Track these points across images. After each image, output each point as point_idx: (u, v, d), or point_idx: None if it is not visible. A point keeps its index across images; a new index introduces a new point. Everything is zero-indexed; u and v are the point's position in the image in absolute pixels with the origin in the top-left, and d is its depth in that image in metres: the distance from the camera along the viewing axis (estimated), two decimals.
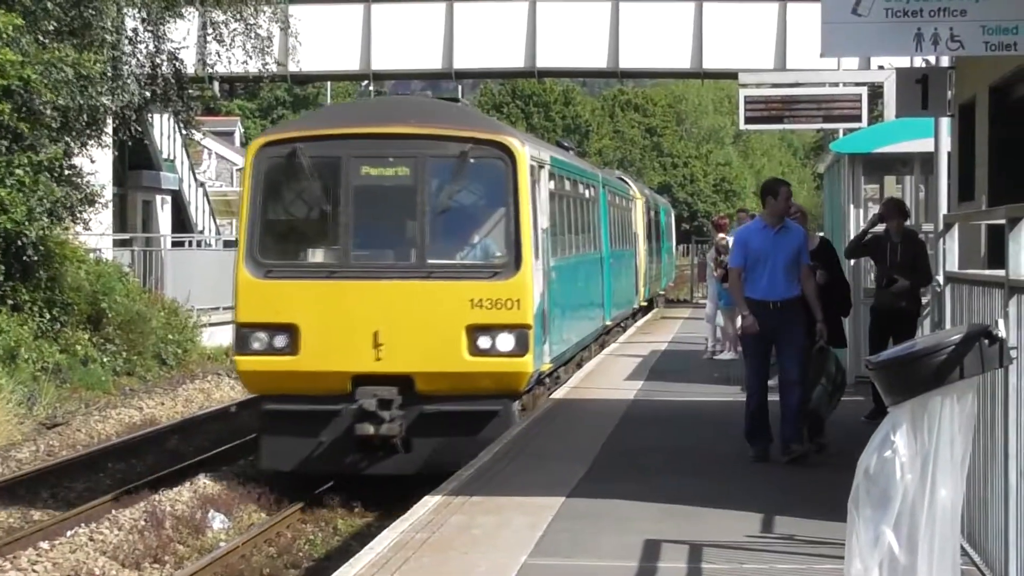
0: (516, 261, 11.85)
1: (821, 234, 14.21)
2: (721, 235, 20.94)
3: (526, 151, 12.31)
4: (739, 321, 12.43)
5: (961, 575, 5.18)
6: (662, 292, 39.39)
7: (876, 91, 19.21)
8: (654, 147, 66.24)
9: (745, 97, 18.96)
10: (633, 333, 28.39)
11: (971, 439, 5.21)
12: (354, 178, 12.04)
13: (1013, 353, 5.21)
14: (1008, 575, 5.42)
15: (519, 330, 11.71)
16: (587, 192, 21.00)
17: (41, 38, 20.60)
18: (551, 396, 16.13)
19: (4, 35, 18.82)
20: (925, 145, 13.54)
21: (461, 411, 11.69)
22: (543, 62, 28.81)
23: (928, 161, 13.87)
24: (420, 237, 12.03)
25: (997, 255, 7.40)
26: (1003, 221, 5.50)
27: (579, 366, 19.47)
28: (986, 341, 5.10)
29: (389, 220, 12.39)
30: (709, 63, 26.57)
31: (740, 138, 45.92)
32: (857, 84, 18.73)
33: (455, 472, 8.96)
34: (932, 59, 11.91)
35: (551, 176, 15.42)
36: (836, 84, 19.00)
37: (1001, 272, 5.71)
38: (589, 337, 20.39)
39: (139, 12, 23.94)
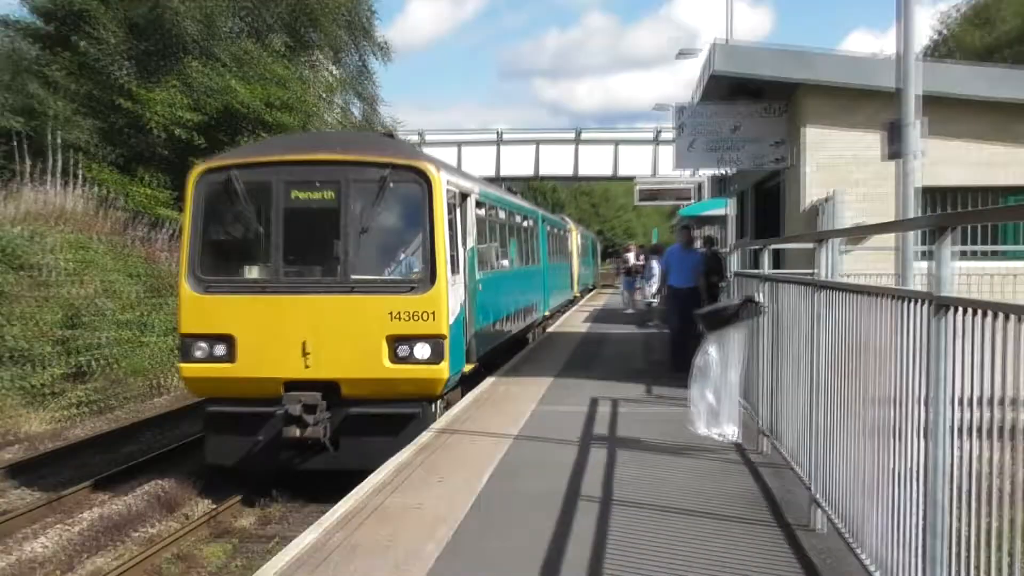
0: (431, 277, 11.85)
1: (716, 249, 18.75)
2: (626, 254, 38.97)
3: (442, 176, 12.37)
4: (638, 294, 28.32)
5: (739, 413, 9.65)
6: (593, 285, 57.06)
7: (699, 184, 32.52)
8: (594, 211, 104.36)
9: (639, 189, 33.67)
10: (584, 302, 43.96)
11: (745, 349, 9.60)
12: (284, 201, 12.07)
13: (765, 308, 9.24)
14: (759, 412, 9.87)
15: (435, 339, 11.75)
16: (526, 222, 23.47)
17: None
18: (547, 331, 27.29)
19: None
20: (722, 211, 25.21)
21: (383, 413, 11.74)
22: (543, 171, 45.90)
23: (723, 218, 25.13)
24: (344, 255, 11.99)
25: (754, 263, 12.20)
26: (759, 246, 10.22)
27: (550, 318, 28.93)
28: (752, 303, 9.52)
29: (316, 240, 12.33)
30: (622, 171, 45.33)
31: (635, 208, 72.43)
32: (690, 181, 31.91)
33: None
34: (726, 171, 20.46)
35: (480, 204, 15.85)
36: (682, 181, 32.30)
37: (757, 271, 10.21)
38: (528, 327, 23.10)
39: None
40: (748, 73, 15.09)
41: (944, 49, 58.59)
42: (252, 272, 12.37)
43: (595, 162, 44.90)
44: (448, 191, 12.64)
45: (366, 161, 12.14)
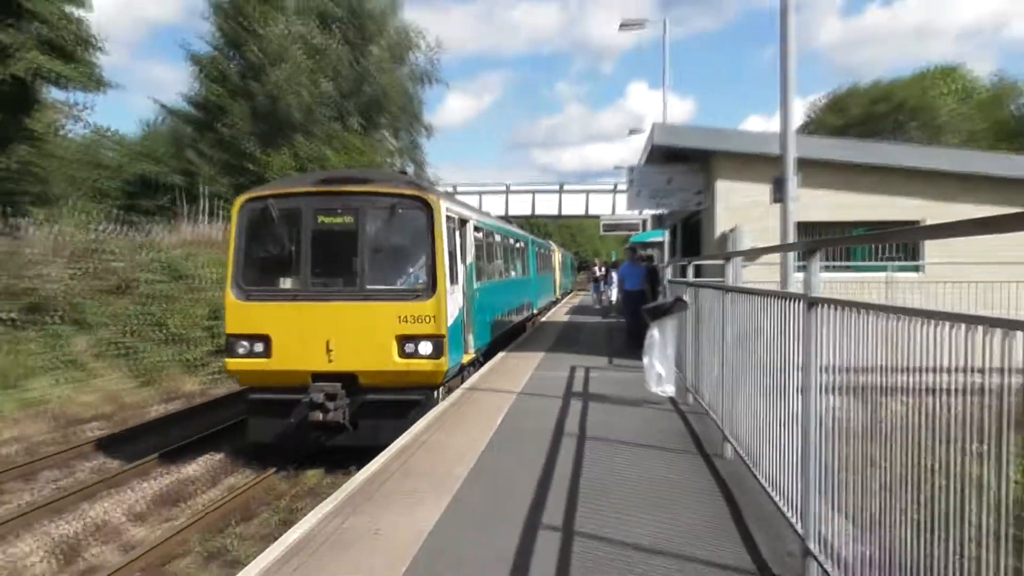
0: (433, 287, 10.58)
1: (655, 264, 19.02)
2: (594, 268, 40.11)
3: (442, 204, 11.11)
4: (603, 295, 28.70)
5: (674, 377, 9.64)
6: (571, 289, 55.78)
7: (644, 220, 30.52)
8: (572, 238, 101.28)
9: (603, 223, 30.86)
10: (564, 301, 43.07)
11: (677, 333, 9.58)
12: (312, 225, 10.85)
13: (689, 305, 9.19)
14: (687, 376, 9.83)
15: (436, 339, 10.45)
16: (518, 244, 22.04)
17: None
18: (540, 320, 26.73)
19: None
20: (660, 239, 25.30)
21: (394, 400, 10.45)
22: (537, 212, 42.75)
23: (661, 243, 25.20)
24: (361, 269, 10.71)
25: (682, 274, 12.16)
26: (686, 263, 10.27)
27: (539, 315, 27.87)
28: (681, 301, 9.53)
29: (338, 256, 11.00)
30: (592, 211, 41.94)
31: (601, 237, 71.46)
32: (638, 218, 29.86)
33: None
34: (663, 211, 19.47)
35: (478, 229, 14.52)
36: (632, 218, 30.03)
37: (684, 279, 10.20)
38: (521, 321, 21.65)
39: None
40: (678, 144, 15.09)
41: (811, 128, 58.62)
42: (285, 283, 11.03)
43: (573, 205, 45.02)
44: (448, 217, 11.41)
45: (379, 192, 10.87)
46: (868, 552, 3.41)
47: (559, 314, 31.03)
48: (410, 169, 37.10)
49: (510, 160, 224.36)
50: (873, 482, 3.37)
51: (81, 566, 8.02)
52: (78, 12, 26.52)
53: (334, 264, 10.95)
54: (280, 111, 31.47)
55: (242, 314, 10.66)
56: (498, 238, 17.66)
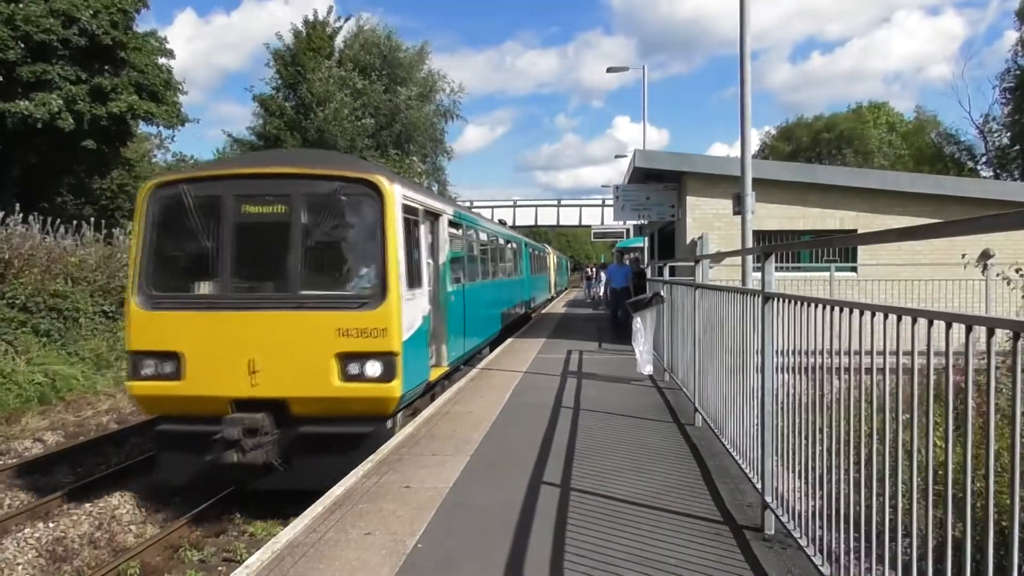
0: (383, 292, 7.10)
1: (641, 267, 18.26)
2: (587, 269, 40.10)
3: (395, 190, 7.44)
4: (594, 292, 27.65)
5: (653, 359, 9.60)
6: (565, 287, 52.63)
7: (628, 229, 32.46)
8: (568, 244, 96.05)
9: (593, 232, 35.73)
10: (560, 296, 41.60)
11: (656, 322, 9.52)
12: (234, 216, 7.37)
13: (665, 299, 9.07)
14: (664, 358, 9.63)
15: (386, 357, 7.03)
16: (510, 245, 18.30)
17: None
18: (542, 312, 26.02)
19: None
20: (641, 244, 25.94)
21: (335, 433, 7.02)
22: (540, 223, 45.25)
23: (641, 248, 25.28)
24: (294, 270, 7.27)
25: (660, 273, 12.00)
26: (662, 264, 10.19)
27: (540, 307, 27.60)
28: (659, 296, 9.48)
29: (266, 255, 7.57)
30: (584, 222, 43.97)
31: (592, 243, 70.52)
32: (622, 228, 32.11)
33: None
34: (643, 221, 19.15)
35: (456, 225, 10.89)
36: (618, 228, 32.83)
37: (661, 278, 10.13)
38: (521, 315, 19.25)
39: None
40: (655, 167, 15.01)
41: (765, 153, 58.38)
42: (201, 288, 7.62)
43: (569, 217, 45.21)
44: (405, 205, 7.79)
45: (317, 174, 7.40)
46: (816, 505, 3.38)
47: (558, 307, 31.03)
48: (435, 188, 37.10)
49: (517, 180, 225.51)
50: (819, 446, 3.33)
51: None
52: (165, 61, 26.75)
53: (261, 264, 7.62)
54: (327, 141, 31.57)
55: (148, 326, 7.26)
56: (484, 236, 13.97)
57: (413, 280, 7.82)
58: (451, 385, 9.94)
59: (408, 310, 7.45)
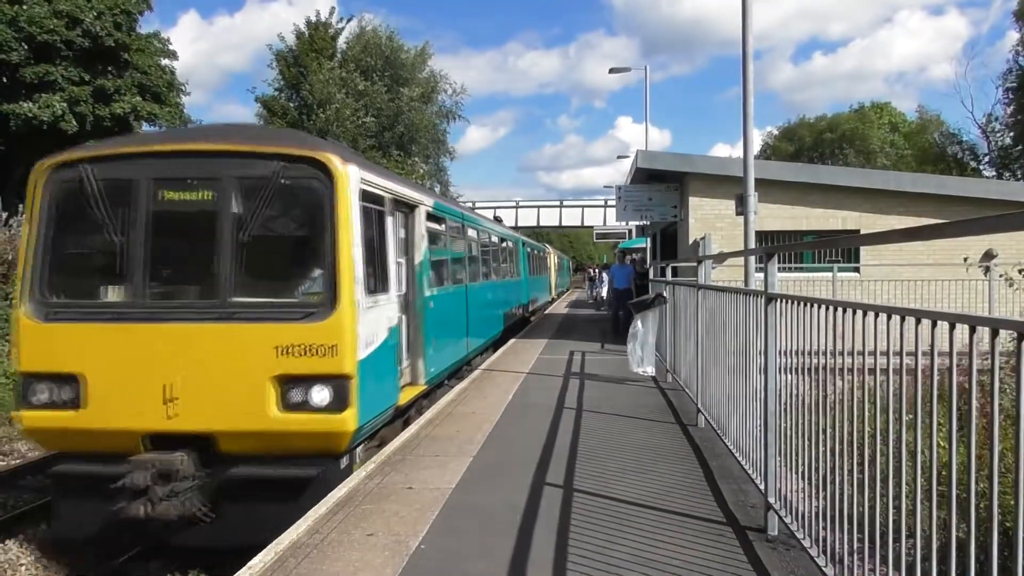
0: (333, 299, 5.58)
1: (645, 267, 18.26)
2: (589, 269, 40.42)
3: (350, 171, 5.83)
4: (598, 292, 27.26)
5: (655, 359, 9.59)
6: (567, 288, 51.33)
7: (630, 230, 31.70)
8: (571, 245, 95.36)
9: (595, 232, 35.24)
10: (562, 298, 41.06)
11: (658, 323, 9.53)
12: (151, 204, 5.78)
13: (667, 299, 9.07)
14: (666, 358, 9.61)
15: (337, 380, 5.49)
16: (505, 243, 16.54)
17: None
18: (545, 312, 26.34)
19: None
20: (643, 245, 25.66)
21: (274, 476, 5.52)
22: (541, 223, 44.54)
23: (644, 248, 25.06)
24: (223, 272, 5.67)
25: (662, 274, 11.96)
26: (664, 265, 10.18)
27: (546, 306, 28.64)
28: (661, 296, 9.47)
29: (190, 252, 6.11)
30: (587, 223, 43.82)
31: (594, 243, 70.38)
32: (624, 228, 31.18)
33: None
34: (645, 222, 18.85)
35: (436, 219, 9.08)
36: (620, 228, 31.86)
37: (664, 278, 10.11)
38: (519, 317, 18.31)
39: None
40: (657, 167, 14.99)
41: (768, 153, 58.33)
42: (108, 294, 5.97)
43: (571, 218, 45.11)
44: (365, 191, 6.21)
45: (252, 151, 5.79)
46: (819, 506, 3.37)
47: (560, 307, 31.06)
48: (437, 188, 37.11)
49: (519, 180, 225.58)
50: (822, 447, 3.32)
51: None
52: (168, 62, 26.86)
53: (183, 265, 6.15)
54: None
55: (42, 342, 5.74)
56: (473, 233, 12.03)
57: (376, 284, 6.43)
58: (446, 393, 9.25)
59: (368, 321, 5.94)
